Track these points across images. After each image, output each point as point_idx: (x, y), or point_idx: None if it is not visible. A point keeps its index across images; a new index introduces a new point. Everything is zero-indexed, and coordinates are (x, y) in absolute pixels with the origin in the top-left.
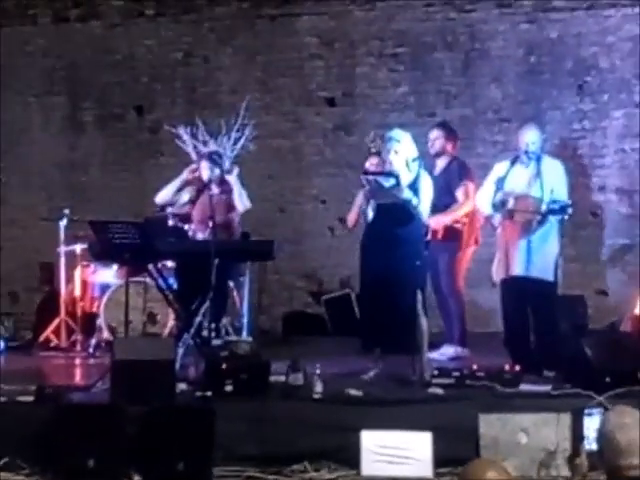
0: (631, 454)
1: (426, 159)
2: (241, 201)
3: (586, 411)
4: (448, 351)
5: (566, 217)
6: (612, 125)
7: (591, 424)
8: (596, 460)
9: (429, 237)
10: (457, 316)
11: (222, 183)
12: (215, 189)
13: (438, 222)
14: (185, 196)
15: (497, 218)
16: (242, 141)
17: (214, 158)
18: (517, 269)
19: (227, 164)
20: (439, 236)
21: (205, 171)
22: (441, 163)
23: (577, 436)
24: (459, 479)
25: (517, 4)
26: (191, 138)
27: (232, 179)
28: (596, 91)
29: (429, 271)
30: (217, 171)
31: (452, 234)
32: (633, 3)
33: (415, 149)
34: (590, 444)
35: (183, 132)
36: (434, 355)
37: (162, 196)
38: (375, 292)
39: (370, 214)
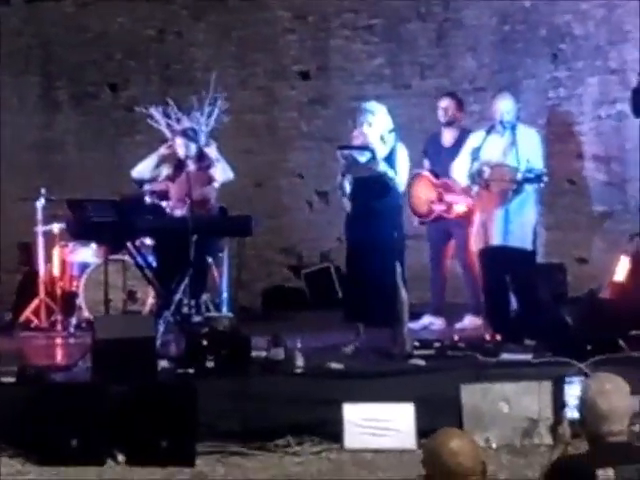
0: (612, 420)
1: (403, 130)
2: (224, 172)
3: (566, 379)
4: (471, 321)
5: (542, 185)
6: (587, 92)
7: (572, 392)
8: (578, 427)
9: (445, 214)
10: (470, 287)
11: (199, 159)
12: (192, 165)
13: (462, 204)
14: (163, 172)
15: (473, 190)
16: (215, 115)
17: (188, 134)
18: (495, 239)
19: (203, 139)
20: (454, 213)
21: (180, 148)
22: (451, 134)
23: (558, 404)
24: (423, 449)
25: None
26: (163, 117)
27: (212, 152)
28: (571, 58)
29: (440, 243)
30: (193, 147)
31: (467, 210)
32: None
33: (390, 121)
34: (572, 412)
35: (155, 111)
36: (458, 325)
37: (139, 170)
38: (355, 265)
39: (347, 188)
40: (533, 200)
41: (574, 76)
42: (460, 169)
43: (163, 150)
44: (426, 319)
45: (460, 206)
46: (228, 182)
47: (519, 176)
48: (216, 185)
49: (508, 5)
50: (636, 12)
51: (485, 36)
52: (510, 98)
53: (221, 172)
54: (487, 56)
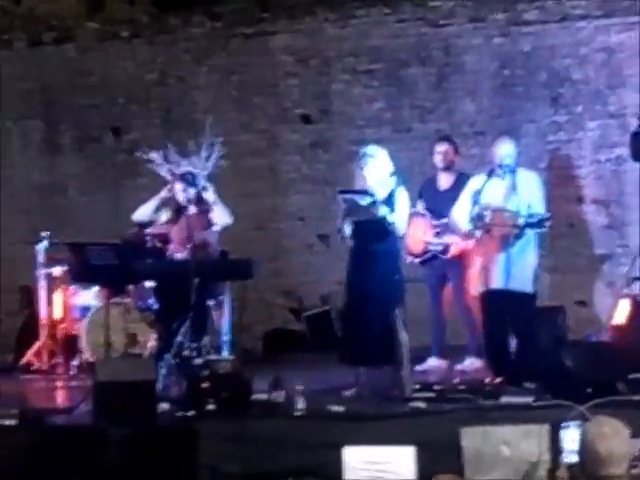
0: (611, 464)
1: (403, 174)
2: (223, 216)
3: (563, 424)
4: (471, 363)
5: (544, 230)
6: (587, 136)
7: (569, 436)
8: (577, 471)
9: (441, 254)
10: (469, 329)
11: (199, 203)
12: (192, 209)
13: (458, 245)
14: (163, 216)
15: (474, 234)
16: (212, 159)
17: (187, 179)
18: (496, 282)
19: (202, 183)
20: (450, 253)
21: (179, 192)
22: (448, 178)
23: (556, 449)
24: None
25: (490, 18)
26: (164, 161)
27: (210, 196)
28: (570, 103)
29: (437, 284)
30: (192, 191)
31: (462, 251)
32: (605, 14)
33: (391, 165)
34: (569, 456)
35: (156, 156)
36: (458, 367)
37: (140, 214)
38: (356, 308)
39: (348, 231)
40: (534, 243)
41: (574, 120)
42: (461, 213)
43: (164, 194)
44: (431, 361)
45: (456, 247)
46: (229, 225)
47: (521, 221)
48: (216, 228)
49: (508, 50)
50: (635, 57)
51: (485, 80)
52: (510, 142)
53: (219, 216)
54: (487, 100)
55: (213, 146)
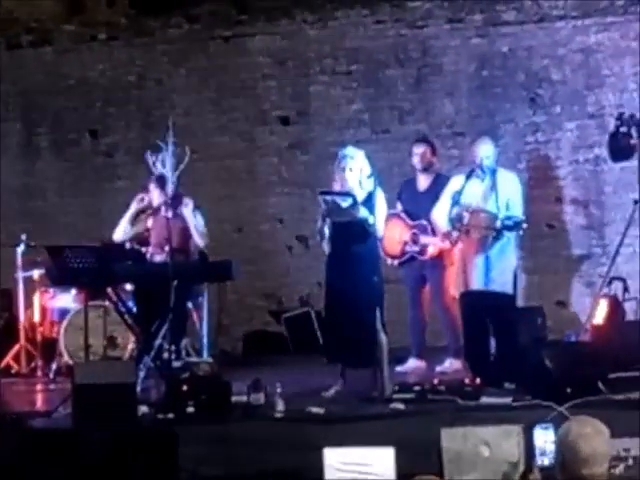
0: (593, 463)
1: (382, 175)
2: (199, 236)
3: (537, 425)
4: (451, 364)
5: (520, 233)
6: (565, 137)
7: (541, 438)
8: (557, 471)
9: (419, 255)
10: (449, 330)
11: (172, 205)
12: (167, 212)
13: (436, 246)
14: (140, 226)
15: (453, 235)
16: (182, 161)
17: (161, 180)
18: (475, 284)
19: (171, 186)
20: (428, 254)
21: (155, 195)
22: (426, 179)
23: (529, 451)
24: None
25: (468, 19)
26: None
27: (187, 213)
28: (548, 103)
29: (416, 286)
30: (164, 194)
31: (441, 252)
32: (583, 15)
33: (369, 166)
34: (542, 459)
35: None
36: (438, 368)
37: (118, 233)
38: (335, 309)
39: (327, 232)
40: (513, 245)
41: (552, 121)
42: (441, 213)
43: (134, 206)
44: (411, 362)
45: (434, 248)
46: (208, 232)
47: (498, 224)
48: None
49: (486, 51)
50: (613, 57)
51: (463, 81)
52: (490, 143)
53: (196, 235)
54: (465, 101)
55: (176, 146)
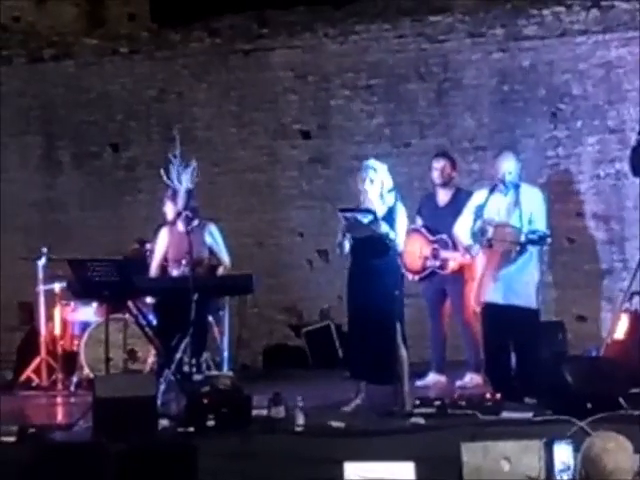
0: (617, 478)
1: (402, 189)
2: (224, 261)
3: (556, 441)
4: (471, 378)
5: (545, 247)
6: (586, 151)
7: (561, 453)
8: None
9: (439, 270)
10: (469, 344)
11: (187, 220)
12: (182, 226)
13: (456, 260)
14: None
15: (475, 249)
16: (190, 177)
17: (174, 196)
18: (498, 297)
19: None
20: (449, 269)
21: (169, 209)
22: (446, 194)
23: (549, 466)
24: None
25: (489, 33)
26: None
27: (210, 240)
28: (569, 118)
29: (436, 300)
30: (177, 208)
31: (461, 266)
32: (604, 29)
33: (390, 180)
34: (561, 474)
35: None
36: (458, 382)
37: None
38: (356, 323)
39: (347, 247)
40: (536, 259)
41: (573, 135)
42: (463, 227)
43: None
44: (432, 377)
45: (455, 262)
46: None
47: (522, 238)
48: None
49: (507, 65)
50: (634, 72)
51: (484, 96)
52: (513, 158)
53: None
54: (486, 115)
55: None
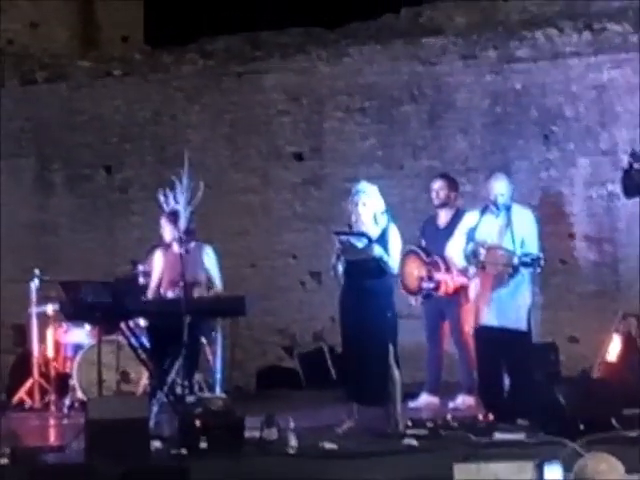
0: None
1: (395, 211)
2: (219, 282)
3: (547, 463)
4: (464, 400)
5: (537, 270)
6: (579, 173)
7: (551, 475)
8: None
9: (433, 291)
10: (463, 366)
11: (183, 242)
12: (178, 248)
13: (448, 282)
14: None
15: (471, 271)
16: (190, 198)
17: (173, 217)
18: (490, 320)
19: (184, 222)
20: (447, 290)
21: (167, 231)
22: (446, 215)
23: None
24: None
25: (482, 55)
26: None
27: (209, 264)
28: (562, 140)
29: (435, 321)
30: (176, 230)
31: (456, 288)
32: (596, 52)
33: (382, 202)
34: None
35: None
36: (451, 404)
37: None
38: (349, 345)
39: (340, 270)
40: (528, 282)
41: (565, 157)
42: (455, 249)
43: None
44: (424, 398)
45: (447, 284)
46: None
47: (515, 260)
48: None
49: (499, 87)
50: (626, 94)
51: (477, 118)
52: (504, 180)
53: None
54: (479, 137)
55: (193, 182)
